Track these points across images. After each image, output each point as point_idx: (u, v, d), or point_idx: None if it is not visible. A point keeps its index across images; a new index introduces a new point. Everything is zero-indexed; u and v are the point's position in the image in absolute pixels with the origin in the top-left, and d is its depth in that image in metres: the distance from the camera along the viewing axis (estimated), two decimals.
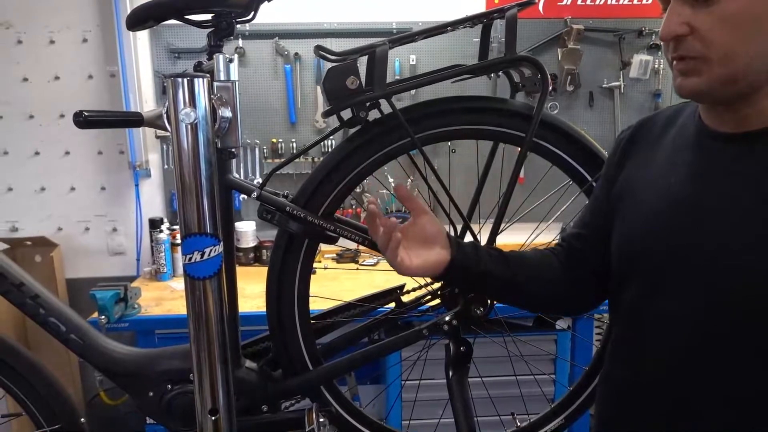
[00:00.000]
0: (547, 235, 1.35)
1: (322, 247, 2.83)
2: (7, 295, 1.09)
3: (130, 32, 2.50)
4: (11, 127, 2.59)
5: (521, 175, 2.78)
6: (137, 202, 2.66)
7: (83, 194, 2.67)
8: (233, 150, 1.10)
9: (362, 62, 1.06)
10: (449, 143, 2.65)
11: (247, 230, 2.64)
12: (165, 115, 0.68)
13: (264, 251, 2.68)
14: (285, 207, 1.10)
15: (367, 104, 1.08)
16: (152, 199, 2.70)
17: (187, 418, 0.95)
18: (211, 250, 0.70)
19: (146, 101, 2.60)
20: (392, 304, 1.30)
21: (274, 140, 2.69)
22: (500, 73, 1.24)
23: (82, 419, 1.18)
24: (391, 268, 0.93)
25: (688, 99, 0.80)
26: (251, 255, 2.66)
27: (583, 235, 1.02)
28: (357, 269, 2.61)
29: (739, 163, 0.76)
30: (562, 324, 2.24)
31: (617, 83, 2.76)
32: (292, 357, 1.17)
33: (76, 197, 2.67)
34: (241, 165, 2.70)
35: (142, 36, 2.59)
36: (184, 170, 0.67)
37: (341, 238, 1.15)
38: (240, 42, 2.59)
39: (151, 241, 2.54)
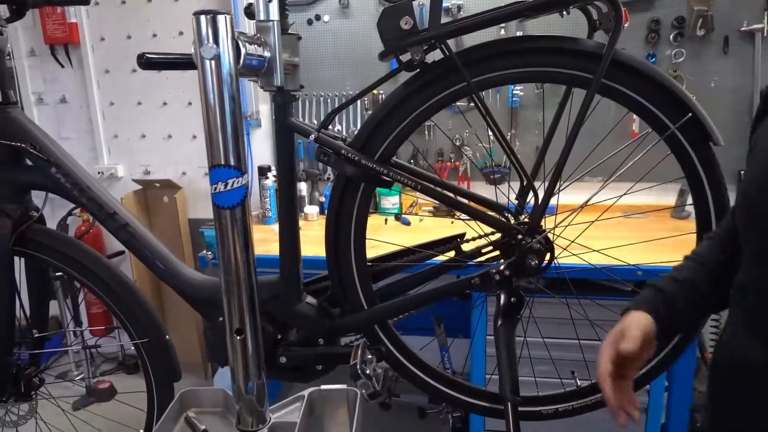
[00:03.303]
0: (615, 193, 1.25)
1: (420, 199, 2.86)
2: (104, 223, 1.25)
3: None
4: (144, 80, 2.87)
5: (634, 128, 2.56)
6: (248, 150, 2.84)
7: (203, 142, 2.91)
8: (294, 93, 1.15)
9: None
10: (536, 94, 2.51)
11: None
12: (193, 52, 0.72)
13: None
14: (340, 150, 1.12)
15: (425, 46, 1.06)
16: (262, 148, 2.88)
17: None
18: (234, 182, 0.75)
19: None
20: (452, 253, 1.29)
21: (375, 92, 2.72)
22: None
23: (167, 336, 1.33)
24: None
25: None
26: None
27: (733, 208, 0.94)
28: (452, 223, 2.60)
29: None
30: None
31: (760, 25, 2.40)
32: (347, 296, 1.21)
33: (197, 144, 2.92)
34: (344, 117, 2.76)
35: None
36: (209, 105, 0.72)
37: None
38: None
39: (260, 187, 2.72)
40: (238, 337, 0.80)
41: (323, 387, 0.94)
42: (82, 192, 1.24)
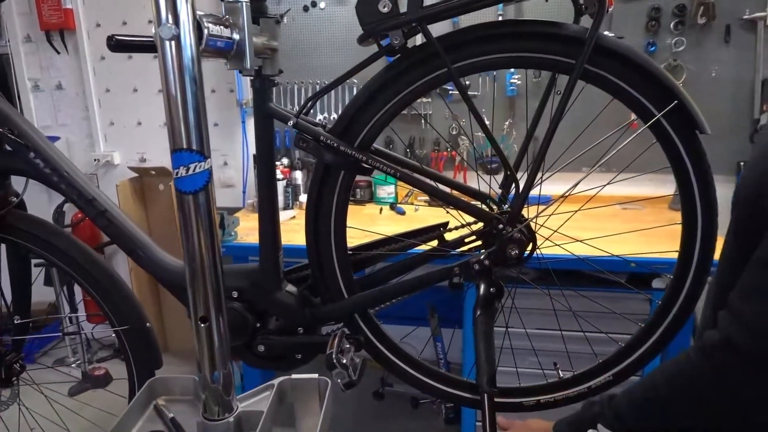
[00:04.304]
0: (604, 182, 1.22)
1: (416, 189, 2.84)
2: (83, 209, 1.24)
3: None
4: (140, 66, 2.86)
5: (633, 117, 2.52)
6: (244, 138, 2.83)
7: None
8: (273, 78, 1.14)
9: None
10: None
11: None
12: (153, 33, 0.71)
13: (357, 190, 2.76)
14: (319, 136, 1.10)
15: (405, 30, 1.03)
16: None
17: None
18: (195, 166, 0.73)
19: None
20: (435, 242, 1.27)
21: None
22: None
23: (148, 324, 1.32)
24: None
25: None
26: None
27: None
28: (447, 213, 2.58)
29: None
30: (659, 283, 2.05)
31: (763, 14, 2.36)
32: (327, 285, 1.20)
33: None
34: (339, 106, 2.74)
35: None
36: (170, 87, 0.70)
37: None
38: None
39: (255, 175, 2.71)
40: (203, 325, 0.79)
41: (294, 376, 0.92)
42: (62, 178, 1.23)
